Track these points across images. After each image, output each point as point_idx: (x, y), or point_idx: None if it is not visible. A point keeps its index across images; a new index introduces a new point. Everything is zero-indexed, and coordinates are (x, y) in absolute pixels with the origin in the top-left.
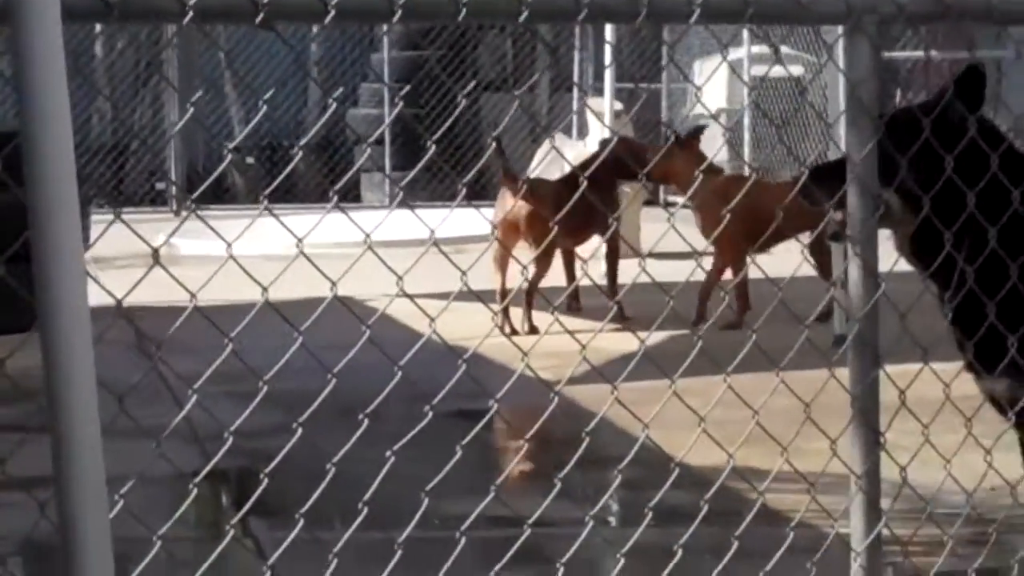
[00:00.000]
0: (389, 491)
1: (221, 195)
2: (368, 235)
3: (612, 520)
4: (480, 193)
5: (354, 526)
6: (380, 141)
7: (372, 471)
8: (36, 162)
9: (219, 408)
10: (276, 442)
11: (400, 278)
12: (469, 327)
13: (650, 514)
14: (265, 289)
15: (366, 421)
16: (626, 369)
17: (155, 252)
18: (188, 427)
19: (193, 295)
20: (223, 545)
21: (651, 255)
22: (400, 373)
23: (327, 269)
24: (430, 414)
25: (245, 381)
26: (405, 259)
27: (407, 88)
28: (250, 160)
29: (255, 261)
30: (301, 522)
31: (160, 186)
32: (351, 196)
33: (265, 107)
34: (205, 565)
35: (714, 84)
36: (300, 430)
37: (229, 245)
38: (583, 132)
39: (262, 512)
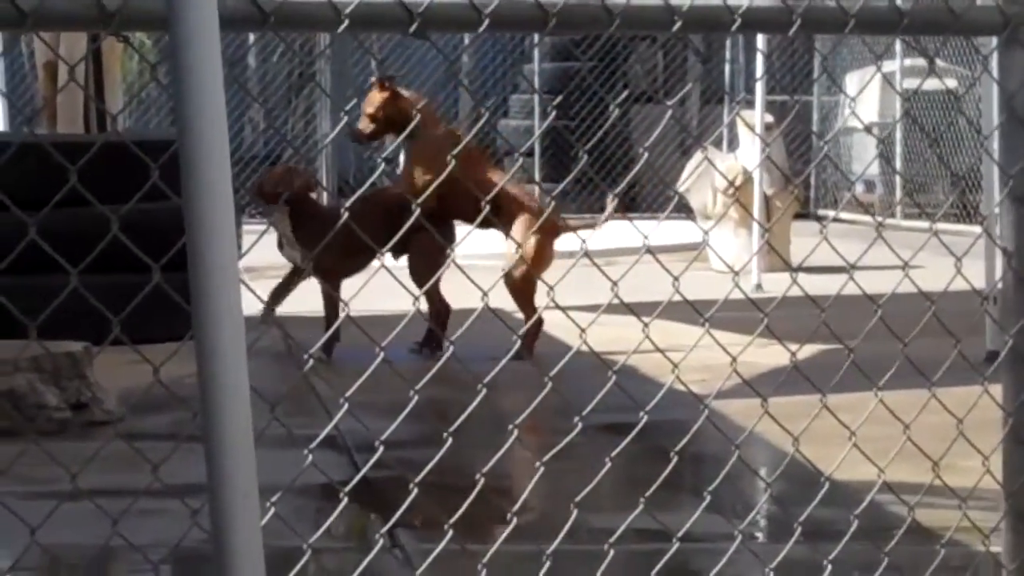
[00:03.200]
0: (538, 503)
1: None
2: (519, 246)
3: (760, 535)
4: (629, 206)
5: (502, 537)
6: (530, 152)
7: (521, 482)
8: (193, 171)
9: (368, 418)
10: (424, 452)
11: (551, 288)
12: (618, 339)
13: (799, 529)
14: (416, 298)
15: (516, 432)
16: (776, 383)
17: (302, 264)
18: (339, 436)
19: (345, 303)
20: (371, 555)
21: (802, 269)
22: (550, 384)
23: (478, 280)
24: (580, 425)
25: (395, 391)
26: (556, 271)
27: (558, 99)
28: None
29: (405, 271)
30: (450, 533)
31: (313, 196)
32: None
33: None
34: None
35: (866, 97)
36: (450, 440)
37: (381, 255)
38: (733, 144)
39: (410, 523)
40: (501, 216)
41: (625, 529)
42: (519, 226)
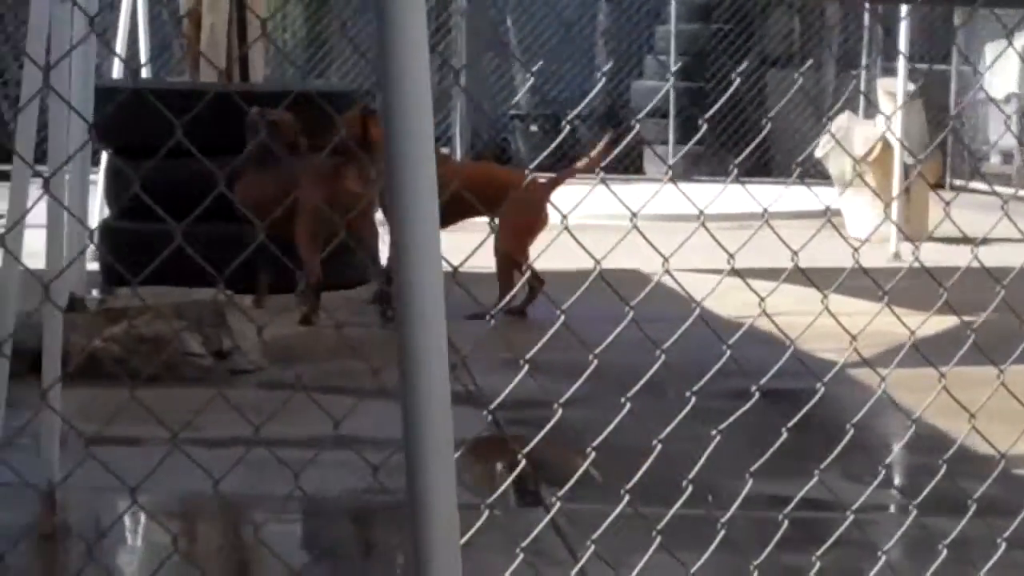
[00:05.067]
0: (693, 468)
1: (504, 162)
2: (701, 213)
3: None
4: (762, 169)
5: (679, 503)
6: (664, 114)
7: (680, 446)
8: (394, 125)
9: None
10: (580, 413)
11: (731, 255)
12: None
13: (973, 506)
14: (598, 262)
15: (693, 399)
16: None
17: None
18: (476, 392)
19: (455, 268)
20: (546, 519)
21: (940, 239)
22: (728, 352)
23: (609, 241)
24: (756, 395)
25: (556, 351)
26: (688, 233)
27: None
28: (534, 128)
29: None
30: (627, 497)
31: (445, 151)
32: (633, 168)
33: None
34: (531, 536)
35: (1005, 68)
36: (628, 405)
37: (565, 217)
38: (869, 112)
39: (558, 483)
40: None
41: (777, 497)
42: (508, 203)
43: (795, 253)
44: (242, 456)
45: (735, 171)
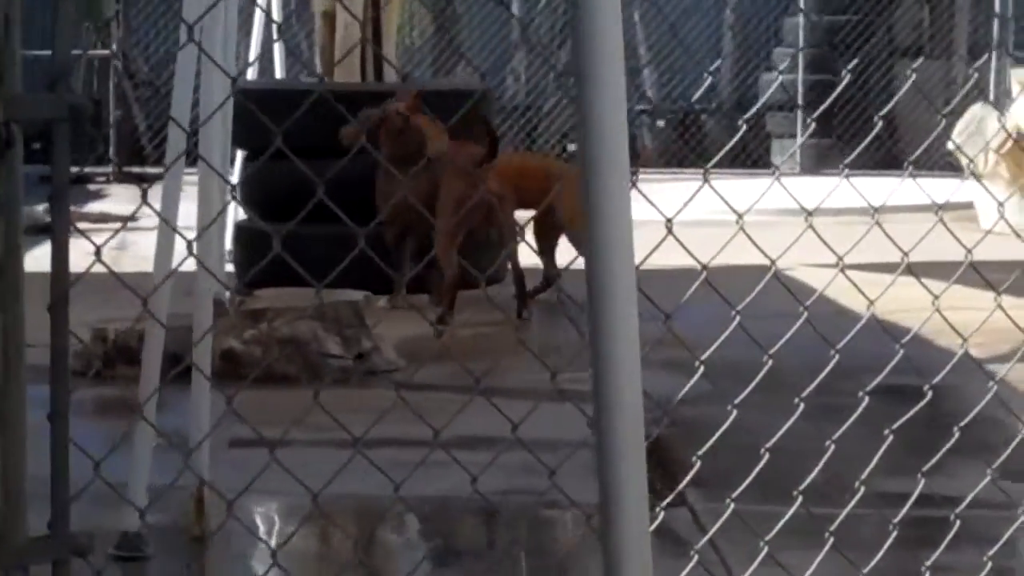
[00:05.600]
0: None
1: (632, 158)
2: (809, 211)
3: None
4: (892, 163)
5: (795, 505)
6: (793, 107)
7: (798, 444)
8: (589, 116)
9: (658, 375)
10: (704, 411)
11: (841, 258)
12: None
13: None
14: (704, 267)
15: (802, 405)
16: None
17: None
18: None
19: (565, 267)
20: (660, 516)
21: None
22: (836, 356)
23: (711, 235)
24: (865, 399)
25: (670, 348)
26: (820, 228)
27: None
28: (660, 123)
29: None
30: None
31: (571, 147)
32: (761, 162)
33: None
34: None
35: None
36: (735, 412)
37: (670, 219)
38: (1002, 102)
39: (697, 482)
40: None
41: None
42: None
43: (905, 253)
44: (424, 460)
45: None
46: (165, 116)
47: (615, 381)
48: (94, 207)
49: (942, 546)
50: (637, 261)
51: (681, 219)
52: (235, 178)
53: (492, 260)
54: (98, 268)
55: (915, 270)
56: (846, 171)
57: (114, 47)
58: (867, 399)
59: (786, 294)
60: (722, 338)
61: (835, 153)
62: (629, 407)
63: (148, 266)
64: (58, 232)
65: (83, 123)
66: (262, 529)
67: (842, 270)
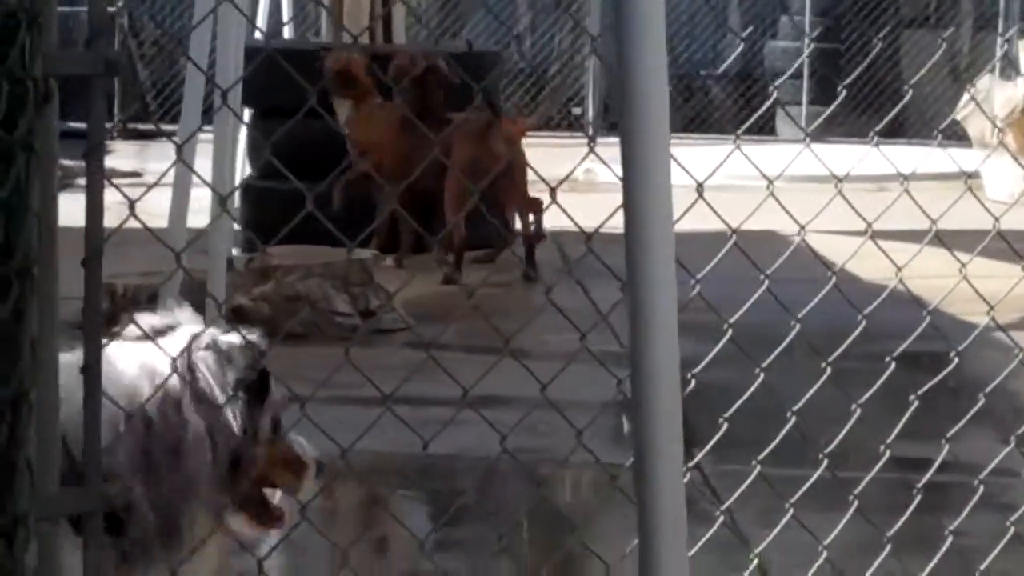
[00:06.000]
0: (837, 429)
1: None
2: (839, 176)
3: None
4: (896, 131)
5: (822, 467)
6: (798, 75)
7: (812, 410)
8: (633, 79)
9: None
10: (716, 374)
11: (869, 224)
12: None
13: None
14: (733, 231)
15: (828, 370)
16: None
17: (552, 189)
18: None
19: (588, 236)
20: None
21: None
22: (864, 322)
23: (746, 202)
24: (892, 364)
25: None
26: (821, 194)
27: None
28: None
29: (678, 191)
30: (754, 464)
31: (576, 111)
32: (767, 129)
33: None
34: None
35: None
36: (762, 376)
37: (700, 183)
38: (1007, 73)
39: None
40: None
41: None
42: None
43: (934, 222)
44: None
45: (874, 136)
46: (169, 74)
47: (654, 343)
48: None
49: (964, 512)
50: None
51: (688, 184)
52: (242, 137)
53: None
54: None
55: (923, 239)
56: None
57: (119, 4)
58: (891, 364)
59: (794, 259)
60: (750, 303)
61: (839, 121)
62: (666, 368)
63: (154, 222)
64: (93, 188)
65: (119, 78)
66: None
67: (872, 238)
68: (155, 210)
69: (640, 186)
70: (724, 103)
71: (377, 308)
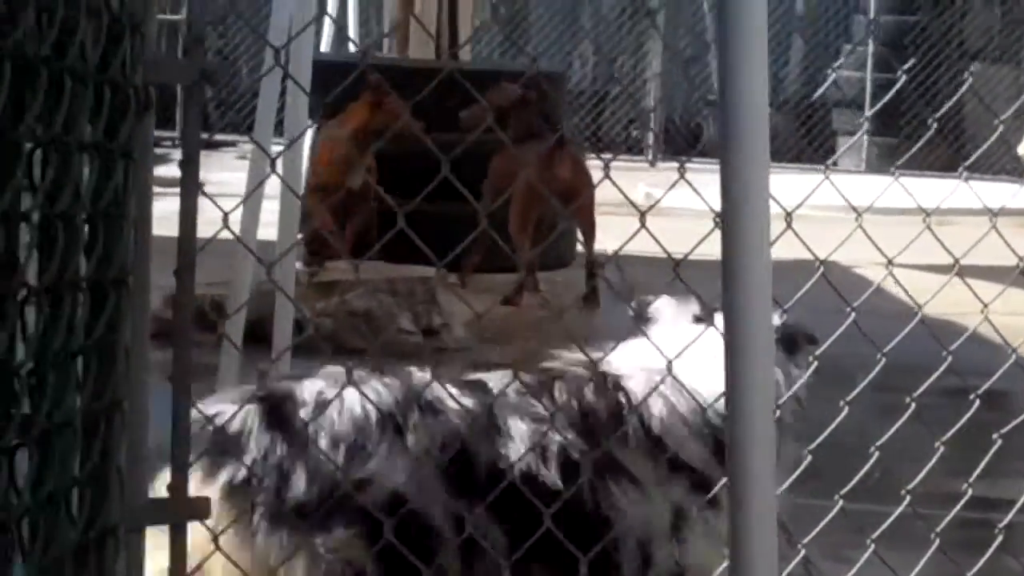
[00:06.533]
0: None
1: (697, 147)
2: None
3: None
4: (956, 164)
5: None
6: (860, 105)
7: (894, 443)
8: (735, 108)
9: None
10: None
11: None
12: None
13: None
14: (820, 262)
15: (913, 406)
16: None
17: (642, 214)
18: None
19: (677, 263)
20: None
21: None
22: (949, 358)
23: (805, 232)
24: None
25: None
26: (883, 227)
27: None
28: None
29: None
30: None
31: (637, 134)
32: (828, 158)
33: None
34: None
35: None
36: (846, 408)
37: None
38: None
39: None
40: None
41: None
42: None
43: (956, 260)
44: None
45: (963, 171)
46: (231, 84)
47: (749, 368)
48: (162, 171)
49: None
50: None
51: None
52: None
53: (562, 244)
54: (163, 232)
55: (972, 273)
56: (897, 173)
57: (184, 13)
58: (916, 401)
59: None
60: (836, 335)
61: (901, 152)
62: (762, 390)
63: (209, 232)
64: (187, 197)
65: (215, 87)
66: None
67: (888, 266)
68: (213, 219)
69: (739, 215)
70: (783, 132)
71: (439, 326)
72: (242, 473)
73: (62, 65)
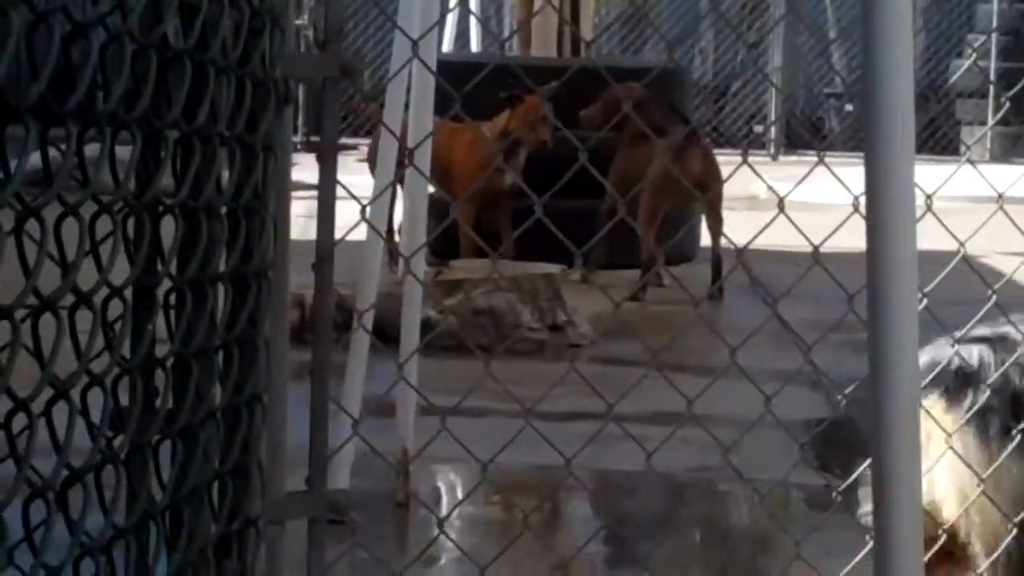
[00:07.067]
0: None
1: (819, 141)
2: (1001, 195)
3: None
4: None
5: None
6: (984, 94)
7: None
8: (879, 100)
9: (840, 356)
10: None
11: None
12: None
13: None
14: (962, 244)
15: None
16: None
17: (780, 200)
18: (814, 374)
19: (816, 247)
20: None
21: None
22: None
23: (930, 221)
24: None
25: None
26: (1013, 216)
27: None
28: (849, 107)
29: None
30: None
31: (758, 129)
32: (950, 149)
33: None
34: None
35: None
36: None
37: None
38: None
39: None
40: None
41: None
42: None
43: None
44: (597, 431)
45: None
46: (350, 87)
47: (895, 359)
48: None
49: None
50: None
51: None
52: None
53: (686, 239)
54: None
55: None
56: None
57: (306, 17)
58: None
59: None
60: (971, 324)
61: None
62: (908, 381)
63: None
64: (325, 190)
65: (354, 82)
66: (465, 499)
67: None
68: (340, 223)
69: (885, 205)
70: None
71: (564, 323)
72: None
73: (204, 58)
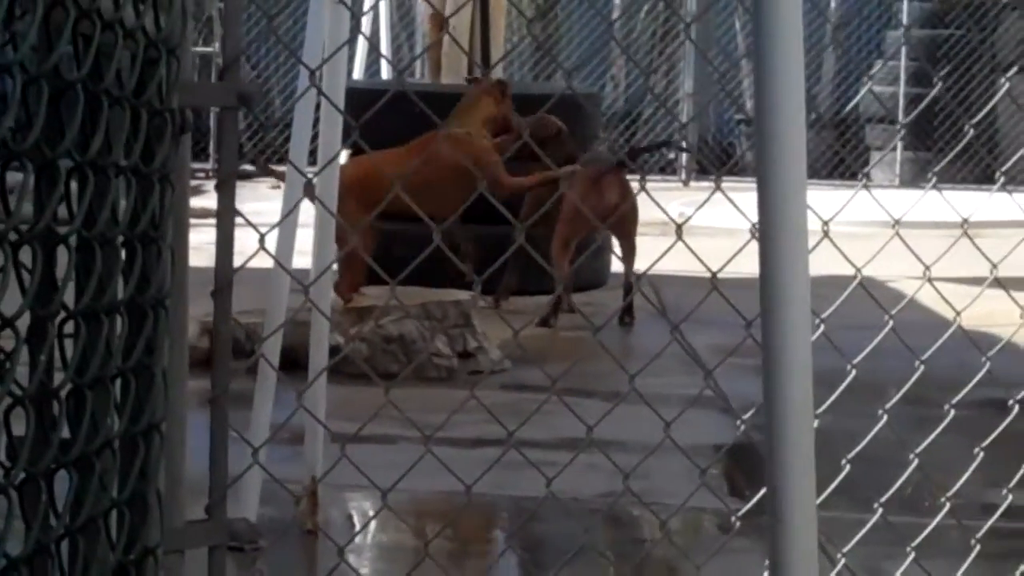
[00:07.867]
0: (948, 477)
1: (731, 166)
2: (897, 220)
3: None
4: (987, 177)
5: (936, 520)
6: (893, 120)
7: (887, 453)
8: (771, 124)
9: (745, 381)
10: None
11: (928, 268)
12: (992, 313)
13: None
14: (858, 270)
15: (952, 413)
16: None
17: (679, 227)
18: (720, 398)
19: (713, 274)
20: (729, 535)
21: None
22: (987, 364)
23: (848, 246)
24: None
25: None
26: (916, 240)
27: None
28: None
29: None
30: (880, 511)
31: (670, 156)
32: (858, 174)
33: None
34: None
35: None
36: (885, 417)
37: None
38: None
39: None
40: None
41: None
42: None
43: (995, 265)
44: (498, 458)
45: (1000, 177)
46: (263, 114)
47: (788, 384)
48: (194, 203)
49: None
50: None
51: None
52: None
53: (598, 264)
54: (197, 263)
55: (1007, 284)
56: (934, 180)
57: (216, 45)
58: (953, 412)
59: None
60: (872, 346)
61: (934, 167)
62: (800, 411)
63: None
64: (224, 220)
65: (251, 110)
66: (365, 526)
67: (929, 280)
68: (243, 249)
69: (777, 230)
70: (815, 149)
71: (475, 349)
72: None
73: (98, 88)
